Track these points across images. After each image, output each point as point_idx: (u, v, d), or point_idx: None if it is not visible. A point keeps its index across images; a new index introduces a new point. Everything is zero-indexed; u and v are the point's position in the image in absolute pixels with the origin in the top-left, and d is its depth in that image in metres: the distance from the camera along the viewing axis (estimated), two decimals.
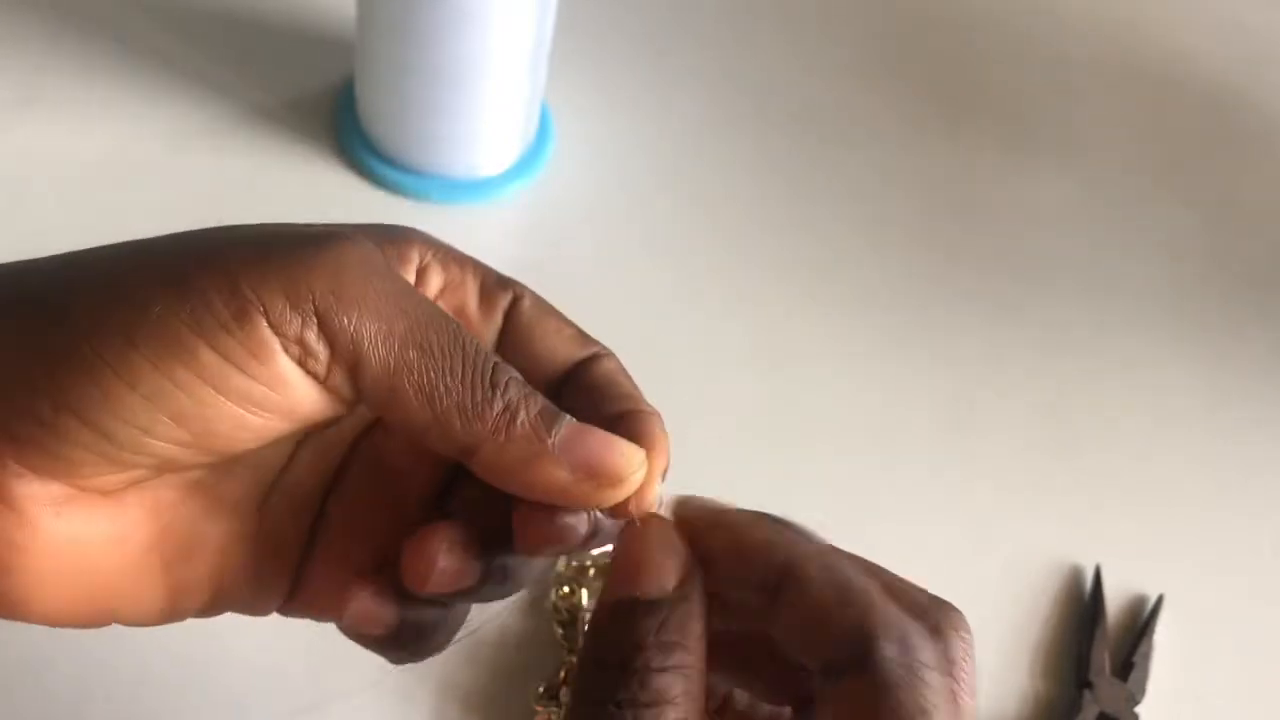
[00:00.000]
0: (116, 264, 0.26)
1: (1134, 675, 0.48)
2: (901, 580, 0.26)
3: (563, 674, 0.45)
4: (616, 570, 0.27)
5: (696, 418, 0.53)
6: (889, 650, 0.24)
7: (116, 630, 0.44)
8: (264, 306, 0.25)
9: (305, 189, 0.58)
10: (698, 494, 0.28)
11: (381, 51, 0.54)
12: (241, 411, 0.25)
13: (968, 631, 0.26)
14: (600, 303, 0.57)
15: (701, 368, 0.55)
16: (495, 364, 0.26)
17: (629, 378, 0.30)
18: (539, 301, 0.30)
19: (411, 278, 0.29)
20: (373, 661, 0.30)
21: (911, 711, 0.24)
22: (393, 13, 0.52)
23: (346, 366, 0.25)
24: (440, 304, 0.28)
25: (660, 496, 0.28)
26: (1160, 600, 0.51)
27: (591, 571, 0.48)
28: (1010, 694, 0.48)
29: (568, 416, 0.27)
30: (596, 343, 0.31)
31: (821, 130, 0.65)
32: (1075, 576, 0.51)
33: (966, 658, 0.25)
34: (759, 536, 0.27)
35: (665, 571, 0.26)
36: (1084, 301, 0.61)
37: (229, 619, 0.30)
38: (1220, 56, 0.73)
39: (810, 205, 0.62)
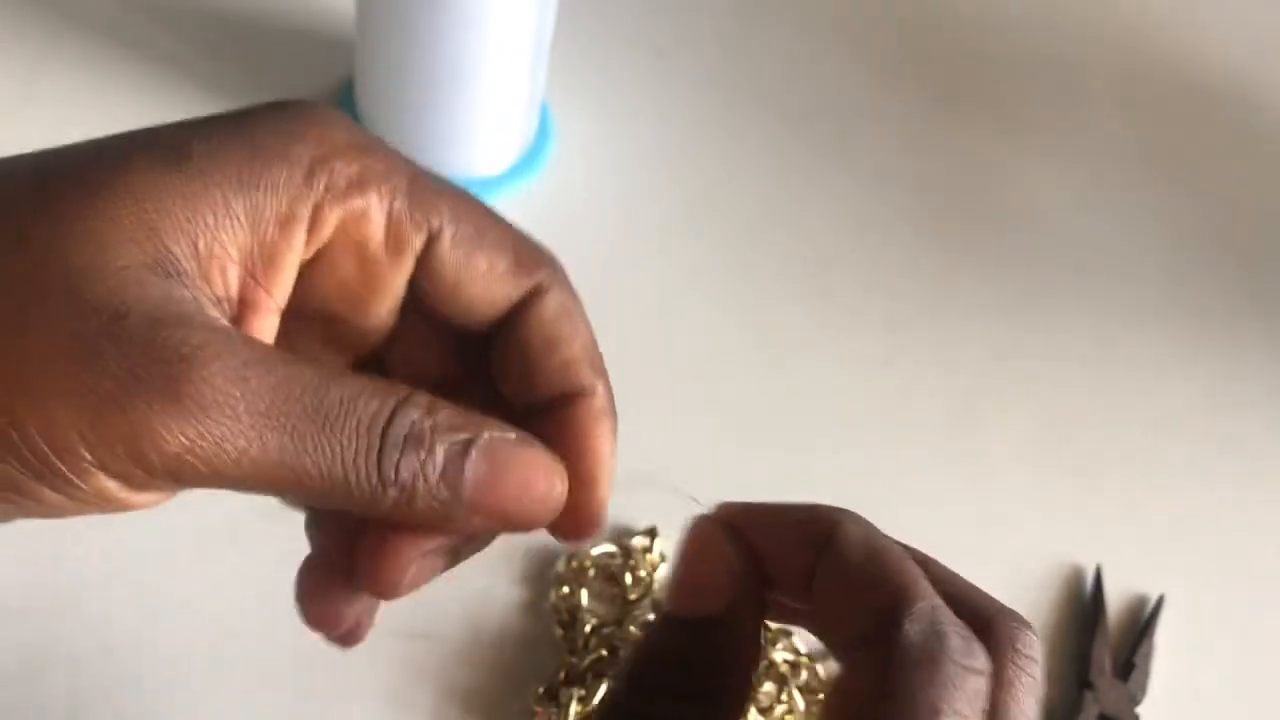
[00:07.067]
0: None
1: (1135, 676, 0.48)
2: (963, 581, 0.24)
3: (562, 674, 0.45)
4: (671, 585, 0.25)
5: (697, 417, 0.53)
6: (914, 629, 0.21)
7: (115, 630, 0.44)
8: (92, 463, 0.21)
9: None
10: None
11: (381, 51, 0.54)
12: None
13: (1029, 648, 0.22)
14: (601, 302, 0.57)
15: (703, 367, 0.55)
16: (383, 432, 0.23)
17: (571, 317, 0.27)
18: (464, 233, 0.26)
19: (301, 231, 0.24)
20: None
21: (921, 705, 0.20)
22: (393, 13, 0.52)
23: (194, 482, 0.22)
24: (330, 259, 0.25)
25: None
26: (1161, 600, 0.51)
27: (591, 572, 0.47)
28: None
29: (475, 447, 0.23)
30: (537, 265, 0.27)
31: (822, 129, 0.65)
32: (1075, 576, 0.51)
33: (1023, 674, 0.22)
34: (800, 512, 0.25)
35: (711, 593, 0.24)
36: (1085, 301, 0.61)
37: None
38: (1223, 54, 0.73)
39: (811, 205, 0.62)
